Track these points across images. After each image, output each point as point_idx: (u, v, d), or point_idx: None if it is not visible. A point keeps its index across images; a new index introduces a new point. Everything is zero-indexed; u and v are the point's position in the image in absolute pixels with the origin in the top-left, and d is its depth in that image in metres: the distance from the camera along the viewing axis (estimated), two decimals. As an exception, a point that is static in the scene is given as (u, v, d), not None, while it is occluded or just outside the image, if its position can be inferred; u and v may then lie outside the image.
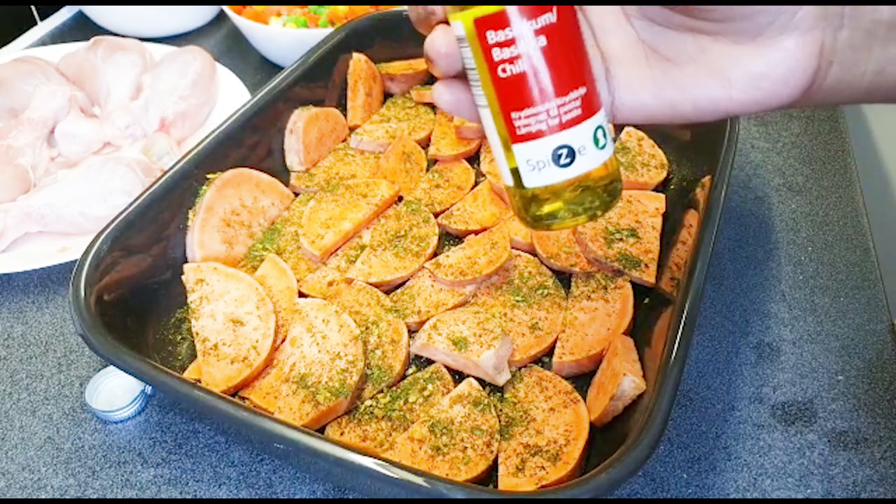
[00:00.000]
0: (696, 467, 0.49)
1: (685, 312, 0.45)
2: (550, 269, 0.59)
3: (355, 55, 0.77)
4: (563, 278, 0.59)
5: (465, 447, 0.46)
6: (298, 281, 0.58)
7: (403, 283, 0.59)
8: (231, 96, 0.82)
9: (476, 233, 0.62)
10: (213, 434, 0.51)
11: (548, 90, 0.31)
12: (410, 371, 0.53)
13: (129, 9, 0.95)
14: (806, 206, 0.70)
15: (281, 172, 0.68)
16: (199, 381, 0.49)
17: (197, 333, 0.52)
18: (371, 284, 0.57)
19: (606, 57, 0.34)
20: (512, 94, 0.32)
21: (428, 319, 0.54)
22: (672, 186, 0.67)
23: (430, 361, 0.53)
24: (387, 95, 0.81)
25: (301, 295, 0.57)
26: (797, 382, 0.54)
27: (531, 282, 0.58)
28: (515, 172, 0.33)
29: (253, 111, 0.65)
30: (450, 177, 0.70)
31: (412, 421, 0.48)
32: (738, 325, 0.58)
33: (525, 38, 0.31)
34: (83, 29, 1.01)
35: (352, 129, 0.75)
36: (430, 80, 0.81)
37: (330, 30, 0.80)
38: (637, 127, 0.71)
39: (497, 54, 0.31)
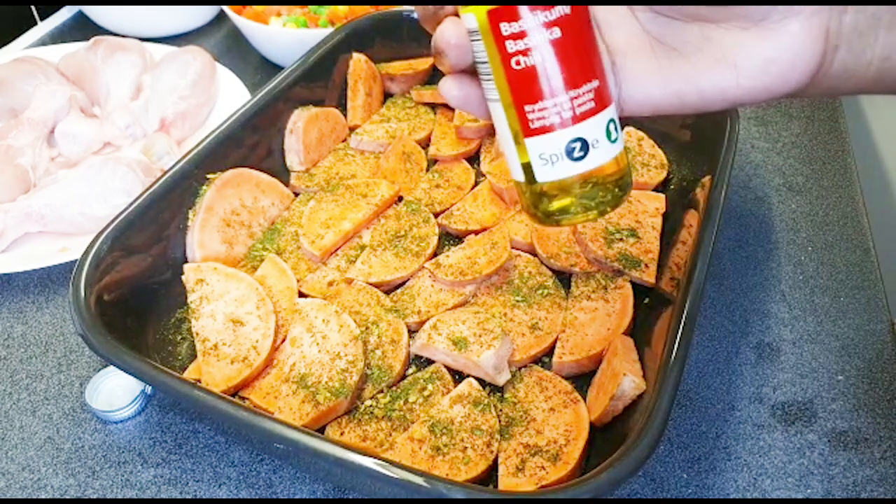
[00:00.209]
0: (696, 467, 0.49)
1: (685, 312, 0.45)
2: (550, 269, 0.59)
3: (355, 55, 0.77)
4: (563, 278, 0.59)
5: (465, 447, 0.46)
6: (298, 281, 0.58)
7: (403, 283, 0.59)
8: (231, 96, 0.82)
9: (476, 233, 0.62)
10: (213, 434, 0.51)
11: (561, 82, 0.31)
12: (410, 371, 0.53)
13: (129, 9, 0.95)
14: (806, 206, 0.70)
15: (281, 172, 0.68)
16: (199, 381, 0.49)
17: (197, 333, 0.52)
18: (371, 284, 0.57)
19: (612, 50, 0.34)
20: (525, 86, 0.31)
21: (428, 319, 0.54)
22: (672, 186, 0.67)
23: (430, 361, 0.53)
24: (387, 95, 0.81)
25: (301, 295, 0.57)
26: (797, 382, 0.54)
27: (531, 282, 0.58)
28: (527, 167, 0.33)
29: (253, 111, 0.65)
30: (450, 177, 0.70)
31: (412, 421, 0.48)
32: (738, 325, 0.58)
33: (539, 29, 0.30)
34: (83, 29, 1.01)
35: (352, 129, 0.75)
36: (430, 80, 0.81)
37: (330, 30, 0.80)
38: (637, 126, 0.71)
39: (511, 46, 0.31)
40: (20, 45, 0.99)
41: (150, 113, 0.77)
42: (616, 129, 0.33)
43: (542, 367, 0.53)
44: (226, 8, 0.89)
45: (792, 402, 0.53)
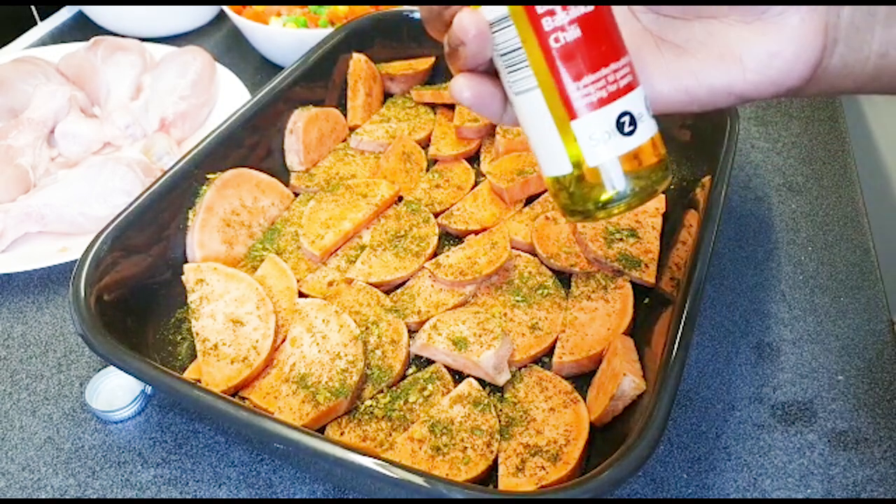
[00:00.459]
0: (696, 467, 0.49)
1: (685, 312, 0.45)
2: (550, 269, 0.59)
3: (355, 55, 0.77)
4: (563, 278, 0.59)
5: (465, 447, 0.46)
6: (298, 281, 0.58)
7: (403, 283, 0.59)
8: (231, 96, 0.82)
9: (476, 233, 0.62)
10: (213, 434, 0.51)
11: (603, 55, 0.30)
12: (410, 371, 0.53)
13: (129, 9, 0.95)
14: (806, 206, 0.70)
15: (281, 172, 0.68)
16: (199, 381, 0.49)
17: (197, 333, 0.52)
18: (371, 284, 0.57)
19: None
20: (568, 64, 0.30)
21: (428, 319, 0.54)
22: (672, 186, 0.67)
23: (430, 361, 0.53)
24: (387, 95, 0.81)
25: (301, 295, 0.57)
26: (797, 382, 0.54)
27: (531, 282, 0.58)
28: (575, 154, 0.32)
29: (253, 111, 0.65)
30: (450, 177, 0.70)
31: (412, 421, 0.48)
32: (738, 325, 0.58)
33: (573, 4, 0.30)
34: (83, 29, 1.01)
35: (352, 129, 0.75)
36: (430, 80, 0.81)
37: (330, 30, 0.80)
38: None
39: (548, 24, 0.30)
40: (20, 45, 0.99)
41: (150, 113, 0.77)
42: (649, 104, 0.32)
43: (542, 367, 0.53)
44: (226, 8, 0.89)
45: (792, 402, 0.53)
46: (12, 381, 0.55)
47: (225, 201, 0.60)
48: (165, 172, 0.57)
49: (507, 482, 0.45)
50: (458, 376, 0.52)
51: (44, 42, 1.00)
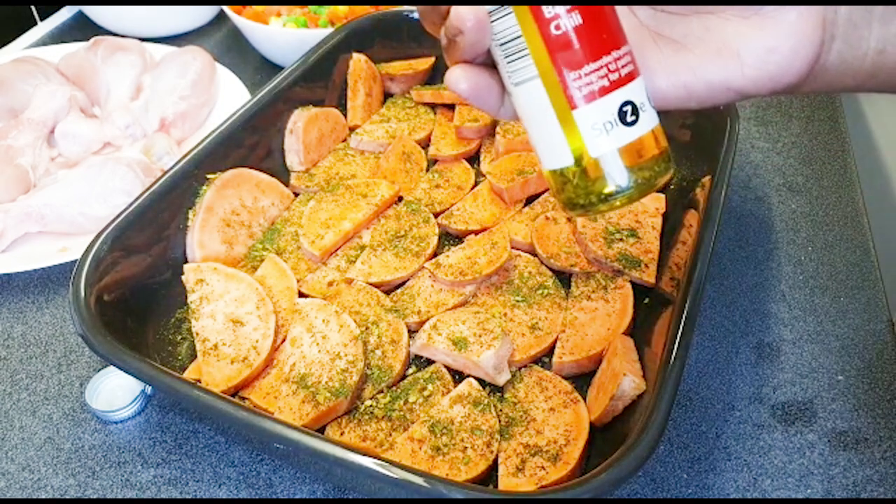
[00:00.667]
0: (696, 467, 0.49)
1: (685, 312, 0.45)
2: (550, 269, 0.59)
3: (355, 55, 0.77)
4: (563, 278, 0.59)
5: (465, 447, 0.46)
6: (298, 281, 0.58)
7: (403, 283, 0.59)
8: (231, 96, 0.82)
9: (476, 233, 0.62)
10: (213, 434, 0.51)
11: (604, 43, 0.30)
12: (410, 371, 0.53)
13: (129, 9, 0.95)
14: (806, 206, 0.70)
15: (281, 172, 0.68)
16: (199, 381, 0.49)
17: (197, 333, 0.52)
18: (371, 284, 0.57)
19: None
20: (570, 51, 0.30)
21: (428, 319, 0.54)
22: (672, 186, 0.67)
23: (430, 361, 0.53)
24: (387, 95, 0.81)
25: (301, 295, 0.57)
26: (797, 382, 0.54)
27: (531, 282, 0.58)
28: (577, 145, 0.31)
29: (253, 111, 0.65)
30: (450, 177, 0.70)
31: (412, 421, 0.48)
32: (738, 325, 0.58)
33: None
34: (83, 29, 1.01)
35: (352, 129, 0.75)
36: (430, 80, 0.81)
37: (330, 30, 0.80)
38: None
39: (549, 11, 0.29)
40: (20, 45, 0.99)
41: (150, 113, 0.77)
42: (650, 95, 0.32)
43: (542, 367, 0.53)
44: (226, 8, 0.89)
45: (792, 402, 0.53)
46: (12, 381, 0.55)
47: (225, 201, 0.60)
48: (165, 172, 0.57)
49: (507, 482, 0.45)
50: (458, 376, 0.52)
51: (44, 42, 1.00)
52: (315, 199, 0.64)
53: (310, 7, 0.91)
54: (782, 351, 0.56)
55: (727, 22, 0.32)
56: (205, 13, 1.01)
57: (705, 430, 0.51)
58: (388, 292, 0.58)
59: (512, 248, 0.60)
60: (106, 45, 0.82)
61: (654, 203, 0.64)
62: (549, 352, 0.53)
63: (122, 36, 0.89)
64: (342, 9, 0.90)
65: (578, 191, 0.32)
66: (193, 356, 0.52)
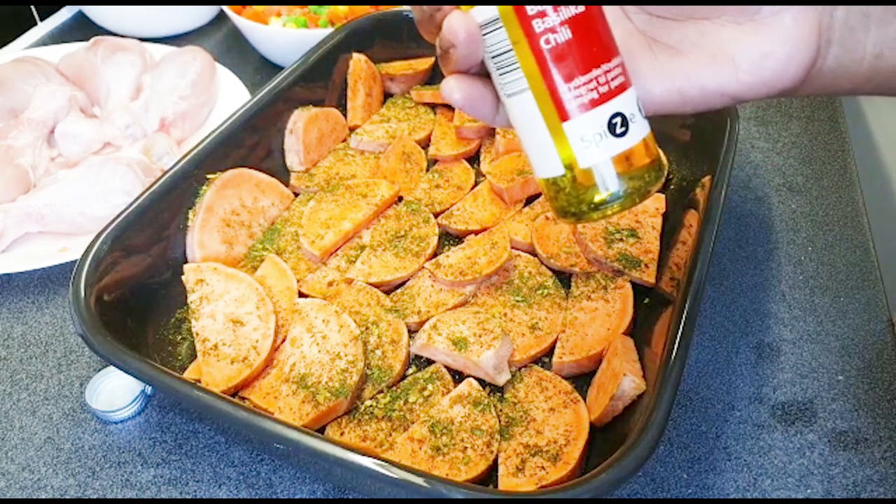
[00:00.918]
0: (696, 467, 0.49)
1: (685, 312, 0.45)
2: (550, 269, 0.59)
3: (355, 55, 0.77)
4: (563, 278, 0.59)
5: (465, 447, 0.46)
6: (298, 281, 0.58)
7: (403, 283, 0.59)
8: (231, 96, 0.82)
9: (476, 233, 0.62)
10: (213, 434, 0.51)
11: (594, 56, 0.30)
12: (410, 371, 0.53)
13: (129, 9, 0.95)
14: (806, 206, 0.70)
15: (281, 172, 0.68)
16: (199, 381, 0.49)
17: (197, 333, 0.52)
18: (371, 284, 0.57)
19: None
20: (560, 65, 0.30)
21: (428, 319, 0.54)
22: (672, 186, 0.67)
23: (430, 361, 0.53)
24: (387, 95, 0.81)
25: (301, 295, 0.57)
26: (797, 382, 0.54)
27: (531, 282, 0.58)
28: (568, 156, 0.32)
29: (253, 111, 0.65)
30: (450, 177, 0.70)
31: (412, 421, 0.48)
32: (738, 325, 0.58)
33: (563, 6, 0.30)
34: (83, 29, 1.01)
35: (352, 129, 0.75)
36: (430, 80, 0.81)
37: (330, 30, 0.80)
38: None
39: (538, 25, 0.30)
40: (20, 45, 0.99)
41: (150, 113, 0.77)
42: (641, 106, 0.32)
43: (542, 367, 0.53)
44: (226, 8, 0.89)
45: (792, 402, 0.53)
46: (12, 381, 0.55)
47: (225, 201, 0.60)
48: (165, 172, 0.57)
49: (507, 482, 0.45)
50: (458, 376, 0.52)
51: (44, 42, 1.00)
52: (315, 199, 0.64)
53: (310, 7, 0.91)
54: (782, 351, 0.56)
55: (722, 27, 0.32)
56: (205, 13, 1.01)
57: (705, 430, 0.51)
58: (388, 292, 0.58)
59: (512, 248, 0.60)
60: (106, 45, 0.82)
61: (654, 203, 0.64)
62: (549, 352, 0.53)
63: (122, 36, 0.89)
64: (342, 9, 0.90)
65: (570, 199, 0.33)
66: (193, 356, 0.52)
